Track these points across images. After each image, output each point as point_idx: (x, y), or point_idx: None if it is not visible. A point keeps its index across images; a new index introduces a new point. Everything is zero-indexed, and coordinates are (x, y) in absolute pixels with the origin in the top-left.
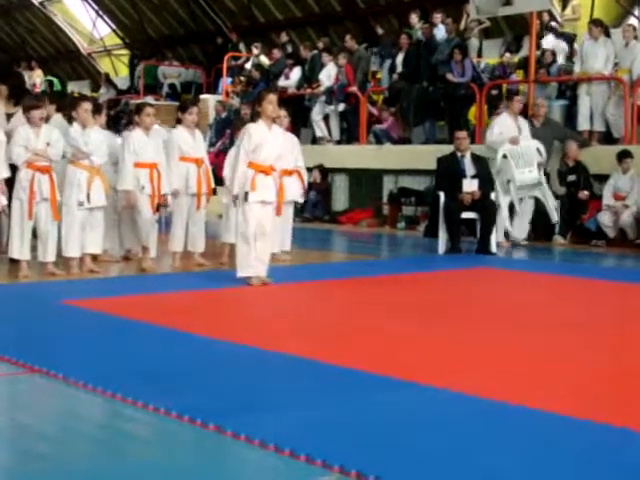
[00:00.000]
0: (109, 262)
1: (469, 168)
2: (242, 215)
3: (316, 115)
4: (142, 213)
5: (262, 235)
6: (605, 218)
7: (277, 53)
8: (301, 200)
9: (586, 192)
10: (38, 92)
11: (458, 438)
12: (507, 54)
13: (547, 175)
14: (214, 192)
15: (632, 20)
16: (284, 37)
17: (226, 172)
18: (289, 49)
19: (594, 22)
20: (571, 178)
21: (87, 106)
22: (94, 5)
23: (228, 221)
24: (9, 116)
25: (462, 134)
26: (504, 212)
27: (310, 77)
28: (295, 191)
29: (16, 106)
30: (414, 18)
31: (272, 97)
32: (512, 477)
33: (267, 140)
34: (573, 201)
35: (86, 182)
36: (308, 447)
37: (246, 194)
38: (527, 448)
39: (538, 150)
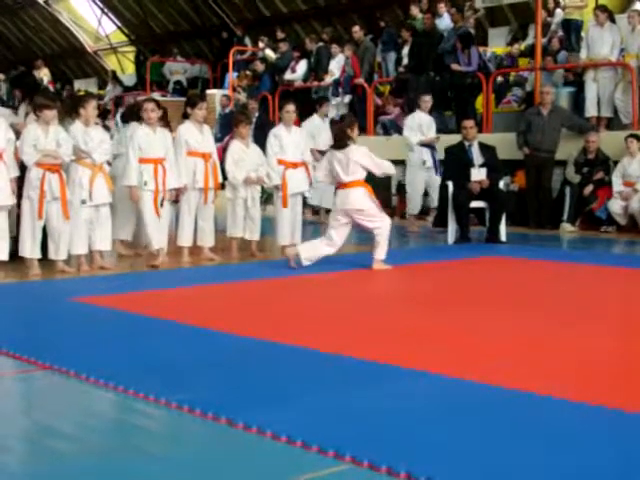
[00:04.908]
0: (128, 257)
1: (477, 157)
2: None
3: None
4: (144, 209)
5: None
6: (615, 206)
7: (283, 46)
8: (308, 194)
9: (590, 187)
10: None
11: (468, 427)
12: (515, 45)
13: (564, 162)
14: (222, 187)
15: (637, 5)
16: (280, 34)
17: (228, 166)
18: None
19: (599, 8)
20: (585, 170)
21: (95, 104)
22: (99, 3)
23: (234, 216)
24: (28, 114)
25: (469, 123)
26: None
27: (316, 69)
28: (302, 183)
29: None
30: (414, 9)
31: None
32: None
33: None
34: (583, 189)
35: (88, 180)
36: (320, 438)
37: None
38: (547, 436)
39: None
